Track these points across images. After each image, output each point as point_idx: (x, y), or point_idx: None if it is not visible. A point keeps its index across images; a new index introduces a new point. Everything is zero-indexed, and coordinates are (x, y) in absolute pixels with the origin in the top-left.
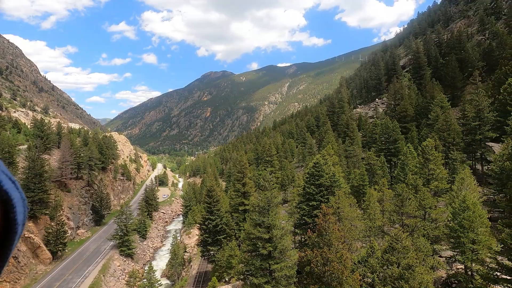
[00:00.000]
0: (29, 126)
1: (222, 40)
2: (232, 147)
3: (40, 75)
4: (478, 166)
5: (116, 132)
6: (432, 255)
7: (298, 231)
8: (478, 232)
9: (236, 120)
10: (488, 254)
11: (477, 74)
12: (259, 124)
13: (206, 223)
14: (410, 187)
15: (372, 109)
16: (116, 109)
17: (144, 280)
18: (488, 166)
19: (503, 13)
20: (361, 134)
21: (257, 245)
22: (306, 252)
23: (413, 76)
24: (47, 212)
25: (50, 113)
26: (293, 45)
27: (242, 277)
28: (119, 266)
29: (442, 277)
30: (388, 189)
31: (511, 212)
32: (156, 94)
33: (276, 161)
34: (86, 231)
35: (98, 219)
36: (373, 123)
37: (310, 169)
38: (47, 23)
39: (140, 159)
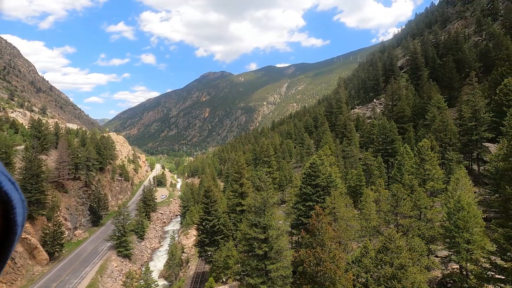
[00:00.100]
0: (26, 127)
1: (221, 40)
2: (231, 147)
3: (38, 75)
4: (475, 167)
5: (114, 133)
6: (427, 255)
7: (295, 232)
8: (472, 232)
9: (234, 121)
10: (482, 254)
11: (473, 75)
12: (257, 124)
13: (203, 223)
14: (406, 187)
15: (370, 109)
16: (114, 109)
17: (141, 281)
18: (484, 166)
19: (500, 14)
20: (358, 135)
21: (253, 246)
22: (300, 252)
23: (410, 76)
24: (44, 213)
25: (48, 113)
26: (292, 46)
27: (238, 277)
28: (116, 267)
29: (438, 277)
30: (385, 189)
31: (505, 212)
32: (154, 94)
33: (274, 162)
34: (84, 232)
35: (96, 219)
36: (371, 124)
37: (306, 169)
38: (45, 23)
39: (139, 159)
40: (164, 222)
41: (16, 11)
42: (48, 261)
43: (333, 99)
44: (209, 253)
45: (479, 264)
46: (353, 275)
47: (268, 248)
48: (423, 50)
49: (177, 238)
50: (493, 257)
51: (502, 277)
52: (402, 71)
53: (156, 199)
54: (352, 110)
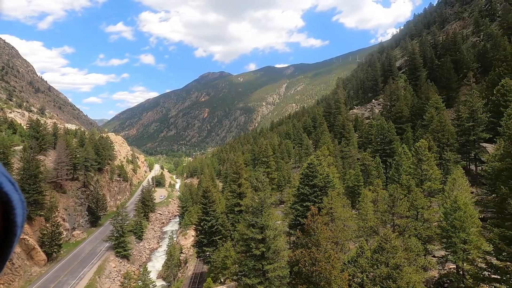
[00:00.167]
0: (25, 127)
1: (220, 41)
2: (230, 148)
3: (37, 75)
4: (472, 167)
5: (113, 133)
6: (425, 255)
7: (293, 232)
8: (469, 232)
9: (233, 121)
10: (478, 254)
11: (471, 76)
12: (256, 125)
13: (201, 224)
14: (404, 187)
15: (369, 110)
16: (113, 109)
17: (139, 282)
18: (482, 166)
19: (498, 15)
20: (357, 135)
21: (250, 246)
22: (295, 252)
23: (409, 77)
24: (42, 213)
25: (46, 113)
26: (291, 46)
27: (235, 277)
28: (114, 267)
29: (435, 277)
30: (383, 189)
31: (500, 212)
32: (153, 94)
33: (272, 162)
34: (82, 233)
35: (94, 220)
36: (369, 124)
37: (304, 169)
38: (44, 23)
39: (137, 160)
40: (163, 223)
41: (14, 11)
42: (46, 261)
43: (332, 99)
44: (207, 253)
45: (475, 264)
46: (349, 275)
47: (265, 249)
48: (421, 51)
49: (175, 239)
50: (488, 257)
51: (498, 277)
52: (401, 72)
53: (154, 199)
54: (351, 110)
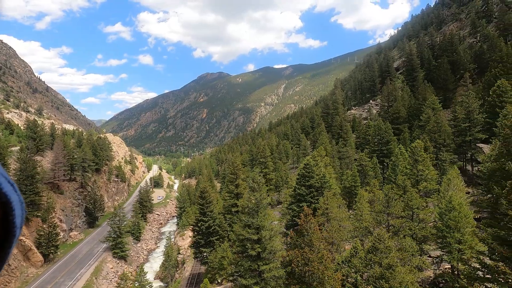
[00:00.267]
0: (22, 128)
1: (218, 41)
2: (228, 148)
3: (34, 76)
4: (469, 167)
5: (111, 133)
6: (420, 255)
7: (289, 233)
8: (464, 232)
9: (232, 122)
10: (472, 254)
11: (467, 76)
12: (255, 125)
13: (199, 224)
14: (400, 188)
15: (366, 110)
16: (111, 110)
17: (136, 283)
18: (478, 167)
19: (494, 16)
20: (354, 136)
21: (246, 246)
22: (288, 253)
23: (406, 78)
24: (39, 214)
25: (44, 114)
26: (290, 47)
27: (231, 278)
28: (112, 268)
29: (430, 277)
30: (380, 190)
31: (494, 212)
32: (152, 95)
33: (270, 163)
34: (79, 233)
35: (92, 221)
36: (367, 125)
37: (300, 170)
38: (41, 23)
39: (135, 160)
40: (161, 223)
41: (12, 11)
42: (42, 263)
43: (330, 100)
44: (205, 254)
45: (469, 264)
46: (343, 275)
47: (261, 249)
48: (418, 52)
49: (173, 239)
50: (483, 257)
51: (490, 277)
52: (398, 73)
53: (152, 200)
54: (349, 111)
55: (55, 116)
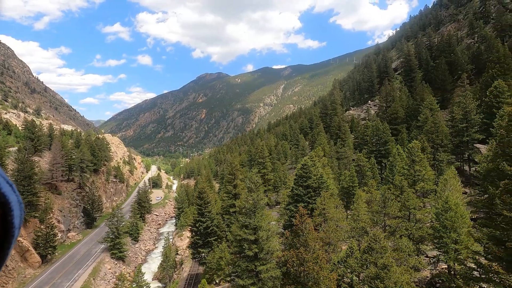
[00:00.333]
0: (20, 128)
1: (217, 42)
2: (227, 149)
3: (33, 76)
4: (466, 167)
5: (110, 134)
6: (417, 255)
7: (286, 233)
8: (460, 232)
9: (231, 122)
10: (468, 254)
11: (465, 77)
12: (254, 126)
13: (197, 225)
14: (397, 188)
15: (365, 111)
16: (110, 110)
17: (133, 284)
18: (475, 167)
19: (492, 17)
20: (353, 136)
21: (243, 247)
22: (284, 253)
23: (404, 78)
24: (37, 215)
25: (42, 114)
26: (288, 47)
27: (229, 278)
28: (110, 269)
29: (427, 277)
30: (377, 190)
31: (489, 212)
32: (151, 95)
33: (268, 163)
34: (77, 234)
35: (90, 221)
36: (365, 125)
37: (298, 170)
38: (40, 23)
39: (134, 161)
40: (159, 224)
41: (10, 11)
42: (40, 263)
43: (328, 100)
44: (203, 254)
45: (465, 264)
46: (339, 275)
47: (258, 249)
48: (416, 52)
49: (171, 240)
50: (477, 257)
51: (486, 277)
52: (396, 73)
53: (151, 200)
54: (347, 111)
55: (53, 116)
